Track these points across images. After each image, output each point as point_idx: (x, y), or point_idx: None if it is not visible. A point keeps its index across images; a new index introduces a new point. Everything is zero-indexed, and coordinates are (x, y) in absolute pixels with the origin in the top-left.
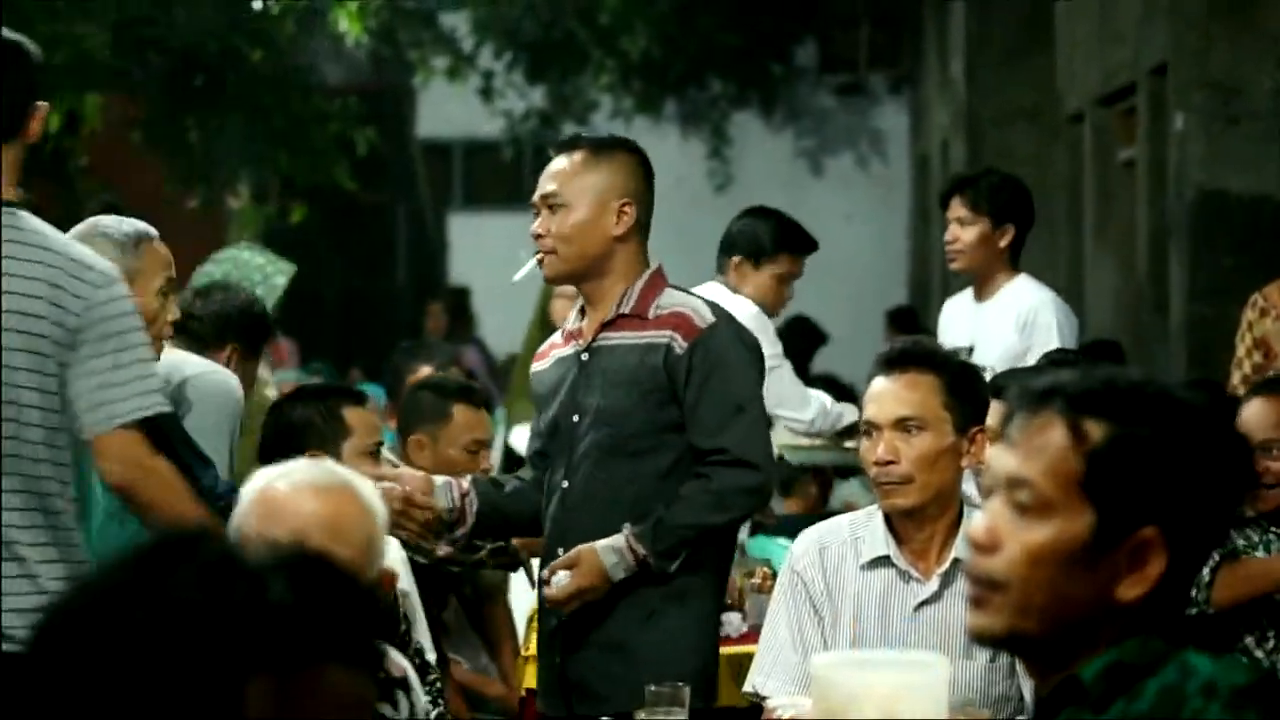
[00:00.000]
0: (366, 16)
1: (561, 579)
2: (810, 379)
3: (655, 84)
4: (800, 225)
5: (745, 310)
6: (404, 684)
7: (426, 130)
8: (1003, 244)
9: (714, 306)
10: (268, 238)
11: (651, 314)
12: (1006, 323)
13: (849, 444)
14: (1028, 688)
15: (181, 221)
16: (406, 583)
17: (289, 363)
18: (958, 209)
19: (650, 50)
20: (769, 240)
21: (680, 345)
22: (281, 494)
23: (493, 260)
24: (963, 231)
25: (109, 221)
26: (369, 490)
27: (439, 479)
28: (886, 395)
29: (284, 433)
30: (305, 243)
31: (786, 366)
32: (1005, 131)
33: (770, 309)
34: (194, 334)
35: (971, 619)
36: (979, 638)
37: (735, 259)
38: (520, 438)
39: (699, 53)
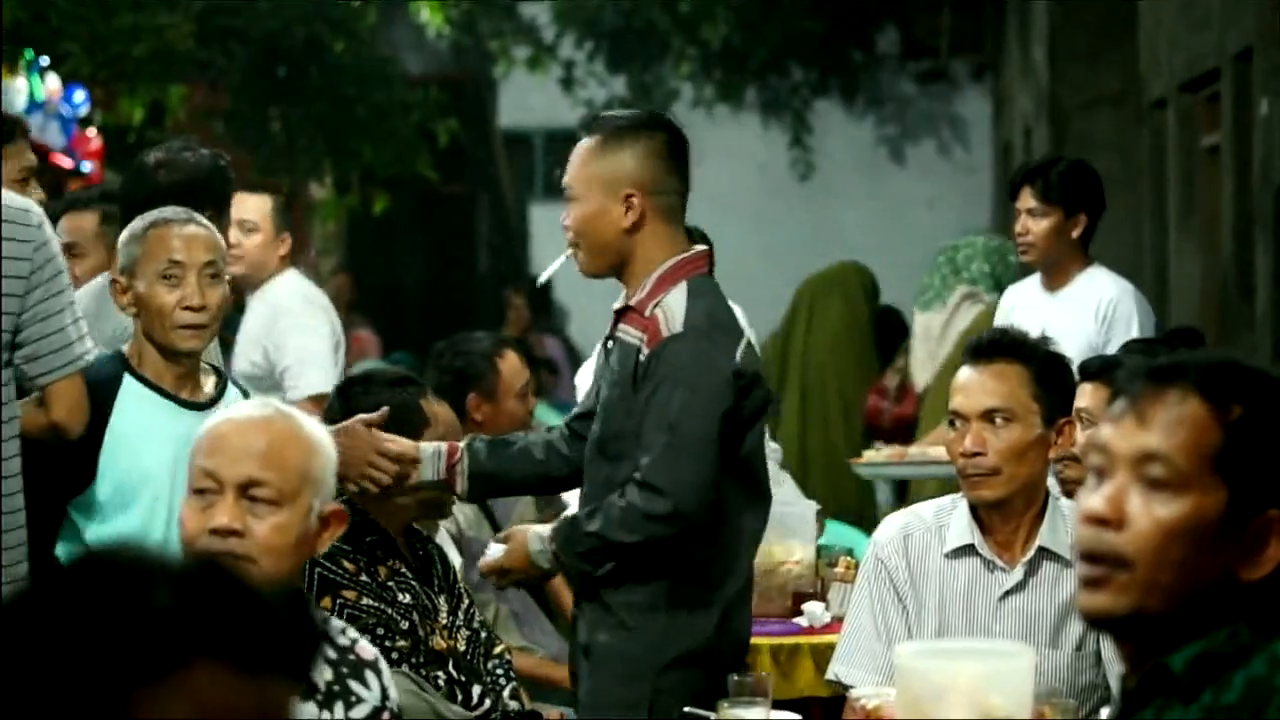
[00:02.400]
0: (448, 7)
1: (493, 552)
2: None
3: (736, 72)
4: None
5: None
6: (374, 666)
7: (507, 120)
8: (1075, 234)
9: (694, 314)
10: (350, 228)
11: (648, 311)
12: (1085, 314)
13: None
14: (1113, 677)
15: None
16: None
17: (370, 353)
18: (1028, 200)
19: (731, 38)
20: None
21: (644, 351)
22: (224, 429)
23: None
24: (1034, 223)
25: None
26: (312, 426)
27: (428, 446)
28: (974, 386)
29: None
30: (386, 233)
31: None
32: (1088, 118)
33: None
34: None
35: (1088, 599)
36: (1095, 618)
37: None
38: None
39: (780, 40)
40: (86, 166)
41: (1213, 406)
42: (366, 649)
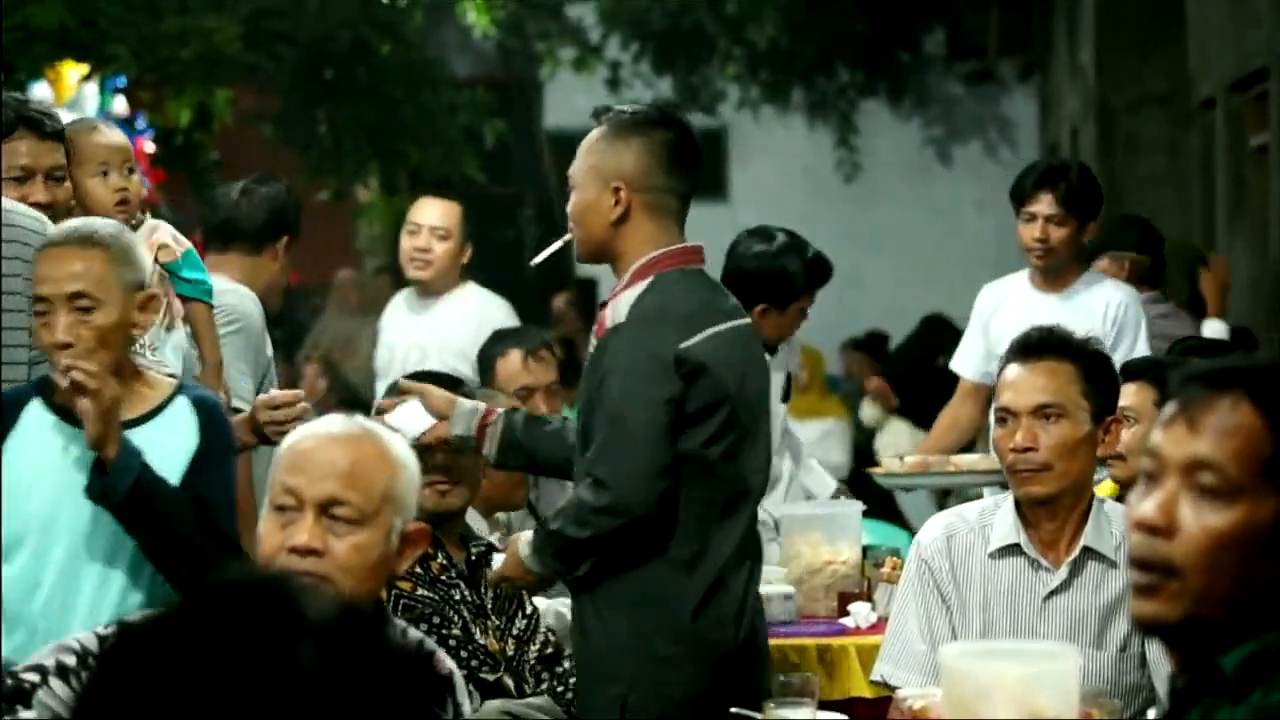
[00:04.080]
0: (494, 8)
1: (497, 562)
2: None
3: (782, 73)
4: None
5: None
6: (449, 683)
7: (554, 121)
8: (1085, 240)
9: (641, 305)
10: (396, 230)
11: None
12: (1092, 317)
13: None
14: (1159, 678)
15: (311, 214)
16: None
17: None
18: (1048, 205)
19: (778, 39)
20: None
21: (594, 344)
22: (308, 444)
23: None
24: (1054, 230)
25: None
26: (398, 445)
27: (465, 403)
28: (1024, 382)
29: None
30: None
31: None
32: (1136, 118)
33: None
34: (244, 235)
35: (1141, 607)
36: (1148, 626)
37: (759, 308)
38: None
39: (827, 41)
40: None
41: (1265, 415)
42: (443, 663)
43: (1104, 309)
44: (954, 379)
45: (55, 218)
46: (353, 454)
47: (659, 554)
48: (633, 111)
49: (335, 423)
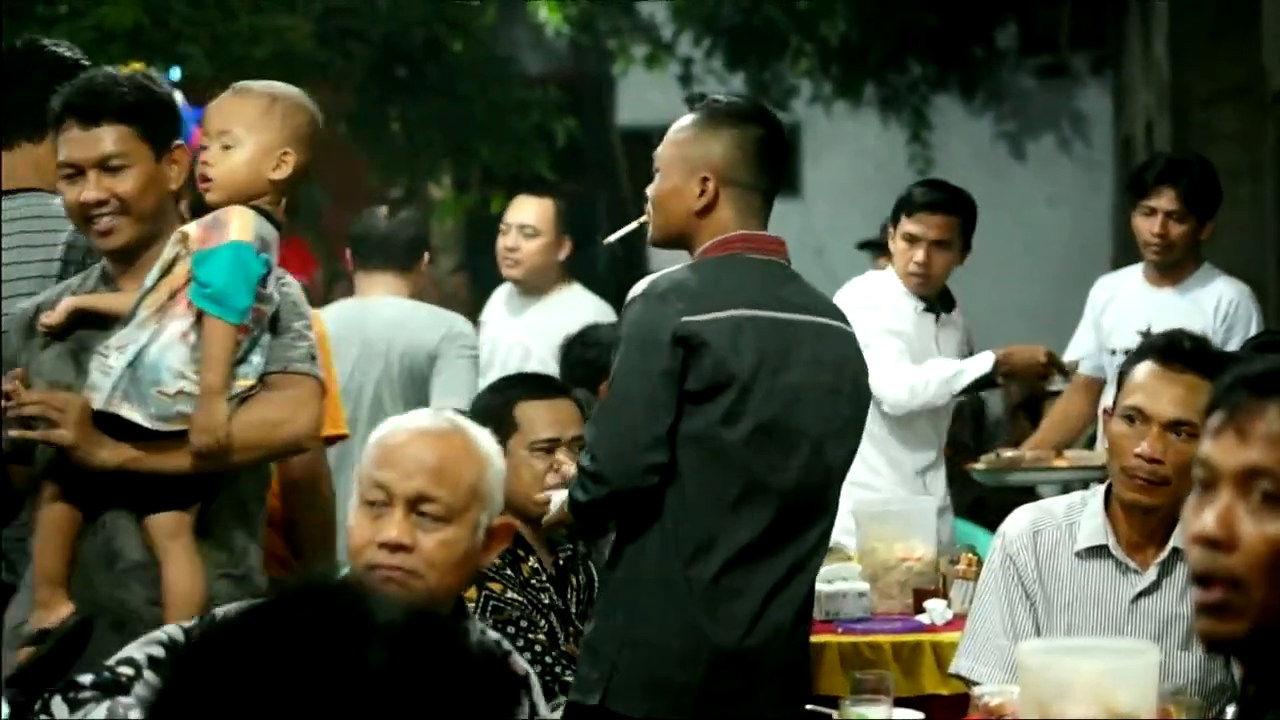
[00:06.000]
0: (566, 6)
1: (556, 501)
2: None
3: (854, 68)
4: (931, 185)
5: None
6: (524, 682)
7: (626, 118)
8: (1203, 237)
9: (660, 279)
10: (468, 227)
11: None
12: (1204, 312)
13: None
14: None
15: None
16: None
17: None
18: (1170, 201)
19: (849, 34)
20: (899, 204)
21: None
22: (398, 439)
23: None
24: (1175, 226)
25: None
26: (485, 441)
27: (557, 496)
28: (1165, 392)
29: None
30: None
31: (885, 345)
32: (1211, 111)
33: (900, 274)
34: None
35: (1207, 625)
36: (1213, 643)
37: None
38: None
39: (899, 36)
40: None
41: None
42: (519, 664)
43: (1215, 305)
44: None
45: (127, 213)
46: (441, 450)
47: (663, 536)
48: (728, 102)
49: (423, 418)
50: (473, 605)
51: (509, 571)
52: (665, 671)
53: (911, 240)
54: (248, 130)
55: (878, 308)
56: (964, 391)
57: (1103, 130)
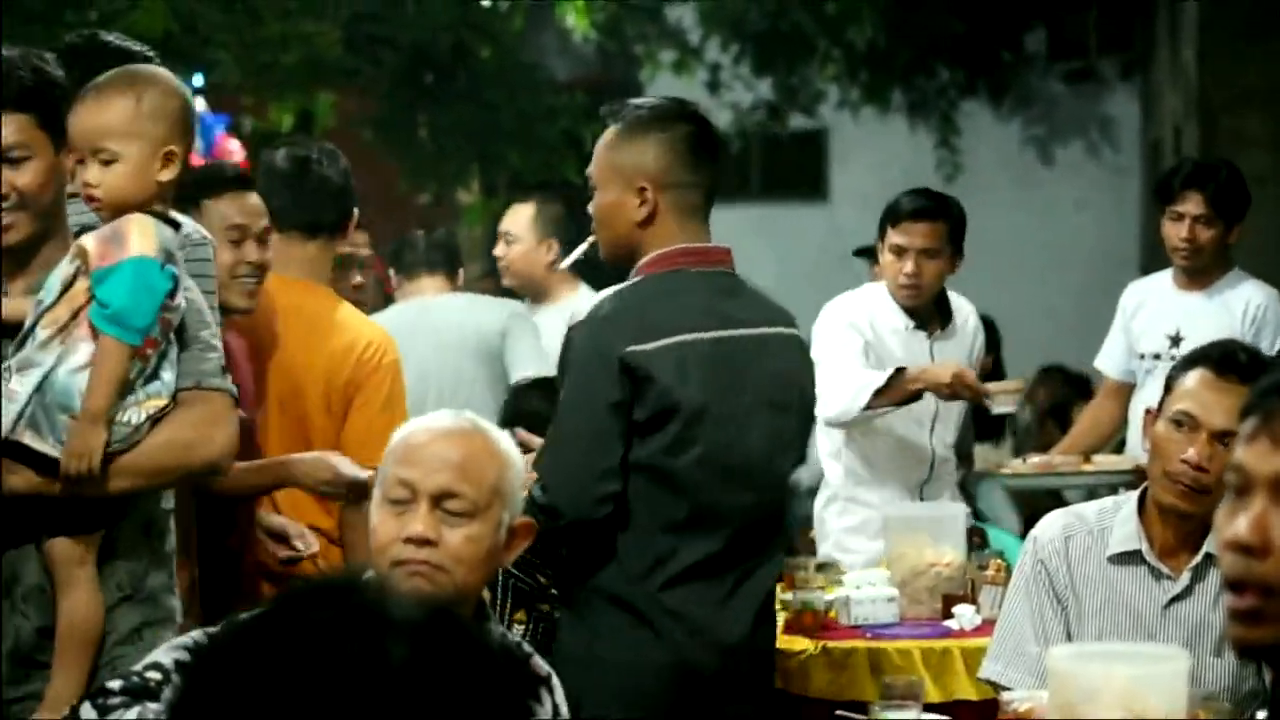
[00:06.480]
0: (593, 11)
1: None
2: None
3: (882, 73)
4: (917, 192)
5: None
6: (547, 683)
7: None
8: (1231, 241)
9: (604, 303)
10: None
11: None
12: (1232, 316)
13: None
14: None
15: (413, 217)
16: None
17: None
18: (1197, 206)
19: (877, 39)
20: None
21: None
22: (421, 438)
23: None
24: (1203, 231)
25: None
26: (505, 441)
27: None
28: (1215, 403)
29: (515, 420)
30: None
31: (831, 363)
32: (1238, 115)
33: (891, 288)
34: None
35: (1241, 633)
36: (1246, 651)
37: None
38: None
39: (926, 41)
40: None
41: None
42: (541, 665)
43: (1244, 309)
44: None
45: (25, 208)
46: (464, 448)
47: (613, 558)
48: (650, 106)
49: (445, 418)
50: (524, 625)
51: (555, 591)
52: (626, 687)
53: (899, 252)
54: (122, 140)
55: (855, 325)
56: (874, 405)
57: (1131, 135)
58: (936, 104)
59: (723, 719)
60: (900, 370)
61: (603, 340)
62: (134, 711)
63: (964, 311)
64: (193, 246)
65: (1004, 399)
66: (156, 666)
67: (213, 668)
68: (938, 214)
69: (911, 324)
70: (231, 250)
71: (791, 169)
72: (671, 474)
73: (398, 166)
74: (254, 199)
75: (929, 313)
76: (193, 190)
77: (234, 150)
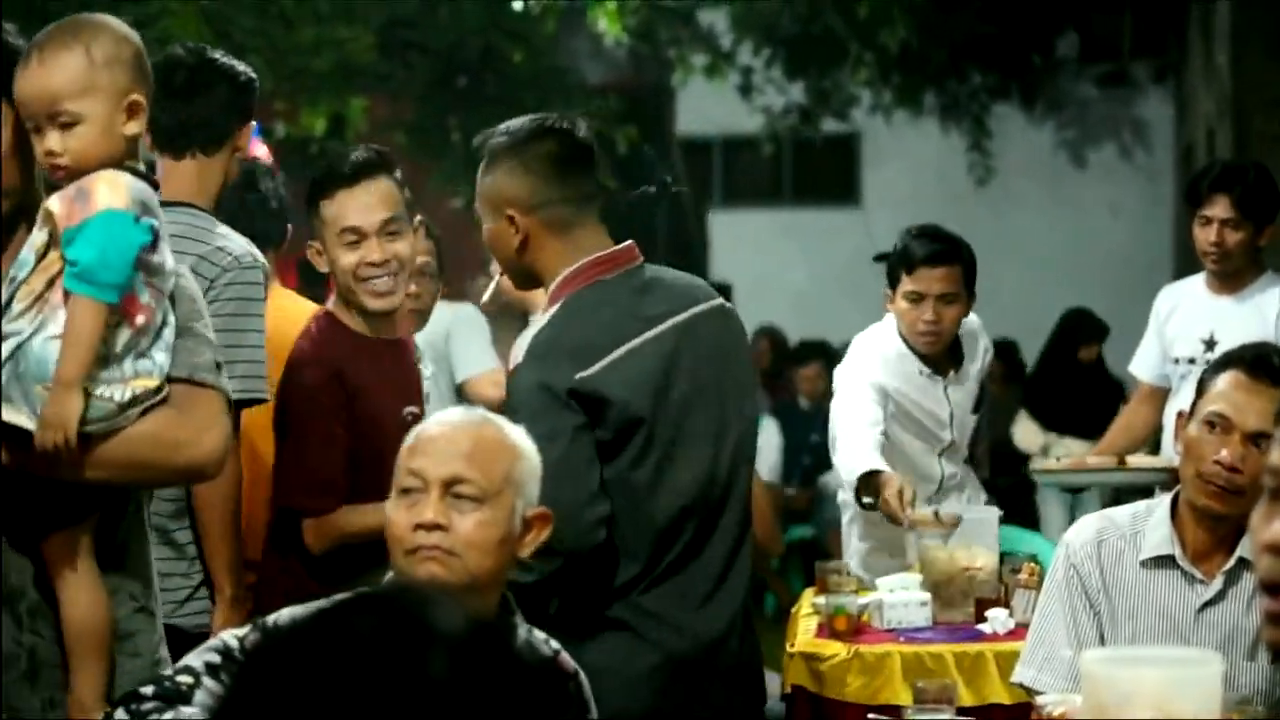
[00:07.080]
0: (625, 15)
1: None
2: (1077, 370)
3: (914, 77)
4: (929, 236)
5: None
6: (575, 679)
7: (686, 127)
8: (1262, 243)
9: (538, 339)
10: None
11: None
12: (1264, 319)
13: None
14: None
15: (446, 222)
16: None
17: None
18: (1224, 209)
19: (909, 43)
20: (897, 263)
21: None
22: (432, 432)
23: (753, 256)
24: (1230, 234)
25: None
26: (517, 434)
27: None
28: (1248, 404)
29: None
30: None
31: (843, 417)
32: (1272, 118)
33: (910, 335)
34: None
35: (1276, 633)
36: None
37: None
38: None
39: (958, 44)
40: None
41: None
42: (568, 662)
43: (1276, 311)
44: (1094, 374)
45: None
46: (474, 437)
47: (589, 573)
48: (507, 133)
49: (456, 412)
50: None
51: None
52: (616, 691)
53: (917, 299)
54: (80, 99)
55: (875, 380)
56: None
57: (1164, 138)
58: (969, 107)
59: (713, 711)
60: (877, 472)
61: (546, 377)
62: (168, 715)
63: (971, 336)
64: (241, 269)
65: (932, 532)
66: (187, 670)
67: (258, 674)
68: (953, 257)
69: (927, 370)
70: (350, 252)
71: (823, 173)
72: (635, 489)
73: (430, 171)
74: (368, 194)
75: (943, 358)
76: (310, 193)
77: (262, 155)
